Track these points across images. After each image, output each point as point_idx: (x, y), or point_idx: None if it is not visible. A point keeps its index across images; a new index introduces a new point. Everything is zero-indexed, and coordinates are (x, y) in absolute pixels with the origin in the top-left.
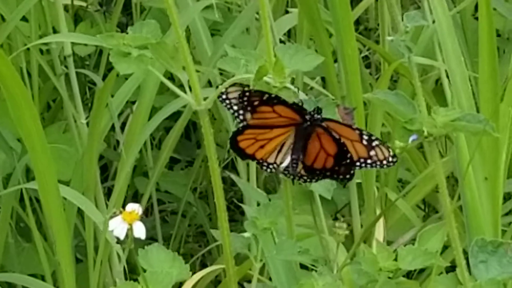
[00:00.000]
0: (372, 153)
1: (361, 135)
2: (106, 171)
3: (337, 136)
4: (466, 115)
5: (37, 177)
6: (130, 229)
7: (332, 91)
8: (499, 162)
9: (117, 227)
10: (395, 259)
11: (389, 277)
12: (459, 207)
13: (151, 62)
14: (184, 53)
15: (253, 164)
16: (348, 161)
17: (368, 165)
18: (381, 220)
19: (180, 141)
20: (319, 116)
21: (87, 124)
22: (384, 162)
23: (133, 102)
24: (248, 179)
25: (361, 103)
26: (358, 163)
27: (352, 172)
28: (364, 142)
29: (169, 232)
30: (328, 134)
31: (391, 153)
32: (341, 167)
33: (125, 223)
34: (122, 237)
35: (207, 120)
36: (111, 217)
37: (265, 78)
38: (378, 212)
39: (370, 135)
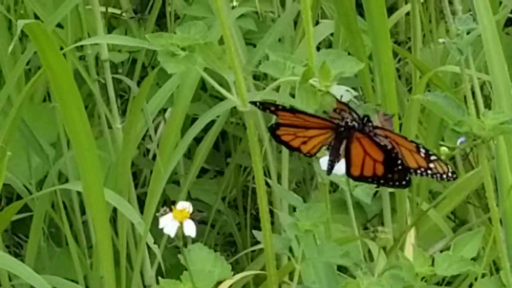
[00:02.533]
0: (432, 165)
1: (417, 147)
2: (136, 178)
3: (381, 142)
4: None
5: (82, 178)
6: (180, 227)
7: (367, 99)
8: None
9: (168, 224)
10: (431, 265)
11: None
12: (489, 219)
13: (199, 62)
14: (231, 54)
15: (284, 173)
16: (400, 167)
17: (429, 175)
18: (412, 230)
19: (209, 151)
20: (367, 123)
21: (122, 129)
22: (444, 176)
23: (165, 110)
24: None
25: (395, 111)
26: (418, 171)
27: (408, 178)
28: (422, 154)
29: (199, 241)
30: (370, 140)
31: (450, 169)
32: (394, 173)
33: (175, 220)
34: (172, 235)
35: (253, 122)
36: (161, 215)
37: (310, 81)
38: (409, 222)
39: (426, 149)
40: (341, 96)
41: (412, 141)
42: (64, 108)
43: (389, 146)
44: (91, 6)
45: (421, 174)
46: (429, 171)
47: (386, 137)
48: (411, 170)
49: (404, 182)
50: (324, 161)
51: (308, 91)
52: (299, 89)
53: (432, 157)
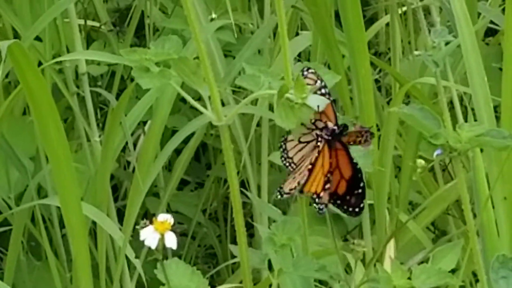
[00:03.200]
0: (348, 197)
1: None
2: (116, 191)
3: (353, 159)
4: (491, 131)
5: (60, 193)
6: (161, 239)
7: (345, 111)
8: None
9: (149, 236)
10: (409, 278)
11: None
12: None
13: (173, 77)
14: (205, 69)
15: (264, 185)
16: (360, 190)
17: (336, 204)
18: (392, 241)
19: (190, 162)
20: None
21: (101, 142)
22: (351, 208)
23: (144, 123)
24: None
25: (374, 123)
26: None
27: (362, 206)
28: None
29: (179, 253)
30: (346, 152)
31: (362, 205)
32: (353, 197)
33: (156, 232)
34: (153, 247)
35: (228, 135)
36: (142, 227)
37: (286, 95)
38: (389, 233)
39: (361, 180)
40: (318, 107)
41: (355, 165)
42: (41, 125)
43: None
44: (69, 19)
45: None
46: (338, 201)
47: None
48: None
49: (357, 209)
50: None
51: (286, 106)
52: (277, 105)
53: (358, 190)
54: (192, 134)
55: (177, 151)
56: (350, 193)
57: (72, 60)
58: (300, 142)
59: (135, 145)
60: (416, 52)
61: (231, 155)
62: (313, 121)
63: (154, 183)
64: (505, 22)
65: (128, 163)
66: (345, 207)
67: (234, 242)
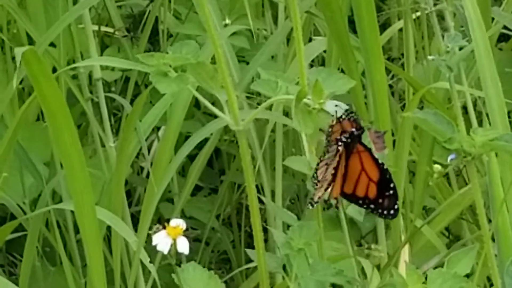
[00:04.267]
0: (380, 200)
1: (382, 176)
2: (130, 196)
3: (380, 150)
4: (505, 135)
5: (74, 198)
6: (174, 244)
7: (360, 116)
8: None
9: (161, 241)
10: (424, 282)
11: None
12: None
13: (190, 82)
14: (223, 74)
15: (278, 190)
16: (392, 191)
17: (370, 208)
18: (406, 246)
19: (203, 168)
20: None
21: (115, 148)
22: (385, 211)
23: (158, 128)
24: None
25: (389, 128)
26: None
27: (397, 207)
28: (380, 186)
29: (193, 258)
30: (369, 154)
31: (396, 206)
32: (385, 199)
33: (169, 237)
34: (166, 252)
35: (245, 140)
36: (155, 232)
37: (304, 100)
38: (403, 238)
39: (390, 181)
40: (336, 112)
41: (381, 166)
42: (55, 131)
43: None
44: (83, 25)
45: (364, 206)
46: (372, 205)
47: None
48: (359, 199)
49: (392, 212)
50: None
51: (304, 111)
52: (295, 111)
53: (389, 192)
54: (206, 140)
55: (190, 157)
56: (382, 196)
57: (87, 66)
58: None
59: (148, 150)
60: (430, 57)
61: (249, 160)
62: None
63: (167, 189)
64: None
65: (142, 168)
66: (380, 210)
67: (248, 247)
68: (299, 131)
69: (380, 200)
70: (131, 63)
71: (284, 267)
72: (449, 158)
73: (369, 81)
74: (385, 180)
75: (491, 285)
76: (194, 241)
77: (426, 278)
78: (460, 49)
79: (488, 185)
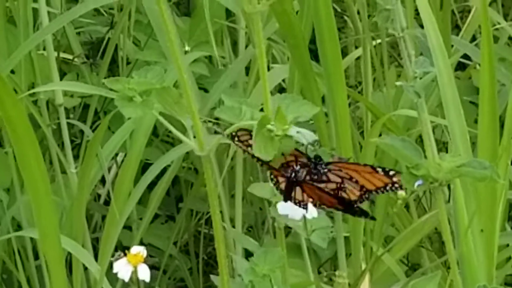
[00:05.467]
0: (395, 179)
1: (374, 168)
2: (87, 223)
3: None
4: (472, 162)
5: (38, 225)
6: (134, 271)
7: (322, 143)
8: (495, 214)
9: (122, 269)
10: None
11: None
12: (443, 263)
13: (156, 107)
14: (188, 98)
15: (238, 217)
16: (357, 208)
17: (398, 187)
18: (367, 275)
19: None
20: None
21: (77, 174)
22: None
23: (116, 155)
24: None
25: (350, 155)
26: (387, 188)
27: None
28: (382, 173)
29: (151, 286)
30: (320, 190)
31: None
32: (354, 212)
33: (129, 265)
34: (127, 279)
35: (210, 165)
36: (116, 260)
37: (267, 126)
38: (363, 266)
39: (383, 168)
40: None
41: (366, 165)
42: (20, 156)
43: (343, 194)
44: (44, 52)
45: (391, 190)
46: (395, 185)
47: (341, 170)
48: (381, 190)
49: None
50: (282, 206)
51: (266, 137)
52: (256, 136)
53: (391, 172)
54: (164, 169)
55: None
56: (349, 207)
57: (47, 92)
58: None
59: None
60: (397, 83)
61: (214, 185)
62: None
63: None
64: (481, 54)
65: (99, 195)
66: (352, 212)
67: (205, 274)
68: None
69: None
70: (94, 87)
71: None
72: (416, 184)
73: (331, 107)
74: (345, 204)
75: None
76: (152, 268)
77: None
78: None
79: (452, 213)
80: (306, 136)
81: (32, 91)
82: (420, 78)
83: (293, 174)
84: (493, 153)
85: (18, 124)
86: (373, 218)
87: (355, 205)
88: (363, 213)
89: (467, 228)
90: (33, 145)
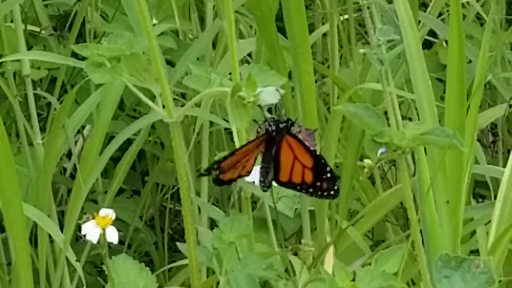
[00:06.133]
0: (318, 184)
1: (316, 162)
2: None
3: (311, 147)
4: (435, 130)
5: (1, 194)
6: (103, 234)
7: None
8: (461, 185)
9: (90, 231)
10: (353, 280)
11: None
12: (407, 237)
13: (125, 72)
14: (157, 66)
15: (204, 191)
16: (329, 174)
17: (309, 192)
18: (331, 248)
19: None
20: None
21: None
22: (325, 193)
23: (83, 127)
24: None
25: (317, 127)
26: (300, 187)
27: (337, 188)
28: (316, 171)
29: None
30: (300, 143)
31: (336, 187)
32: (323, 182)
33: (98, 227)
34: (95, 241)
35: (179, 133)
36: (84, 222)
37: (239, 93)
38: (328, 239)
39: (325, 164)
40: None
41: (313, 152)
42: None
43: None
44: (12, 24)
45: (303, 191)
46: (310, 189)
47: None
48: (297, 186)
49: (332, 192)
50: (256, 171)
51: (238, 104)
52: (231, 105)
53: (326, 175)
54: (129, 142)
55: (112, 159)
56: (319, 179)
57: (14, 63)
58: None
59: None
60: (361, 50)
61: (182, 152)
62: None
63: (92, 189)
64: (450, 27)
65: (65, 169)
66: (319, 193)
67: (170, 249)
68: (232, 125)
69: (318, 184)
70: (61, 57)
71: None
72: (379, 152)
73: (298, 81)
74: (320, 165)
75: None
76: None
77: (354, 276)
78: (390, 48)
79: (416, 183)
80: (272, 94)
81: (2, 59)
82: (388, 47)
83: (274, 129)
84: (460, 126)
85: None
86: (336, 194)
87: (328, 168)
88: (333, 181)
89: (429, 186)
90: None
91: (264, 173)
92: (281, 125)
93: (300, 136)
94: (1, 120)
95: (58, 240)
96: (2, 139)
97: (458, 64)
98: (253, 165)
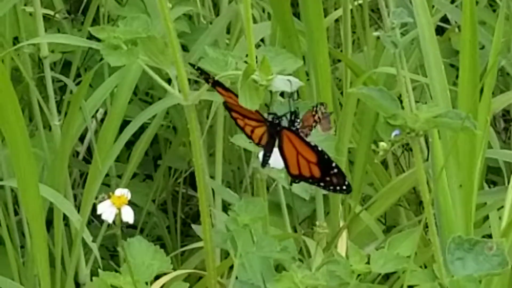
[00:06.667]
0: (328, 178)
1: (319, 157)
2: None
3: (311, 143)
4: (449, 112)
5: (18, 175)
6: (118, 214)
7: (303, 99)
8: (474, 170)
9: (106, 211)
10: (367, 263)
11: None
12: (420, 222)
13: (141, 55)
14: (173, 48)
15: (218, 174)
16: (336, 170)
17: (321, 186)
18: (344, 232)
19: None
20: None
21: (61, 127)
22: (338, 187)
23: (96, 112)
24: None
25: (332, 110)
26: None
27: (347, 182)
28: (322, 166)
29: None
30: (299, 138)
31: (346, 182)
32: (332, 177)
33: (113, 207)
34: (110, 220)
35: (194, 115)
36: (100, 202)
37: (252, 76)
38: (341, 224)
39: (330, 161)
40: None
41: (315, 148)
42: None
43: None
44: (28, 6)
45: (315, 184)
46: (321, 184)
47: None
48: (308, 179)
49: (344, 187)
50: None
51: (251, 87)
52: (241, 86)
53: (333, 171)
54: (143, 127)
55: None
56: (327, 174)
57: (29, 46)
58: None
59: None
60: (375, 33)
61: (198, 135)
62: None
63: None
64: (463, 13)
65: (77, 153)
66: (331, 187)
67: (182, 234)
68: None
69: (328, 178)
70: (82, 39)
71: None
72: (393, 134)
73: (312, 65)
74: (324, 160)
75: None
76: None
77: (368, 259)
78: (403, 34)
79: (430, 166)
80: (292, 83)
81: (19, 45)
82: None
83: (275, 120)
84: (473, 110)
85: None
86: (348, 189)
87: (333, 164)
88: (342, 177)
89: (443, 180)
90: (11, 97)
91: (264, 160)
92: (278, 120)
93: (315, 118)
94: (17, 102)
95: (75, 220)
96: (19, 120)
97: (471, 49)
98: (259, 139)
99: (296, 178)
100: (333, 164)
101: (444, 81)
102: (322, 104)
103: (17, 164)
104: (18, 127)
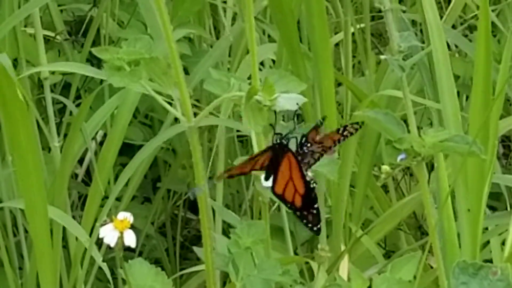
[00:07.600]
0: (305, 213)
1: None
2: None
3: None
4: (455, 136)
5: (25, 197)
6: (120, 237)
7: (307, 122)
8: (482, 194)
9: (108, 234)
10: (369, 287)
11: None
12: (420, 247)
13: (144, 76)
14: (176, 69)
15: (219, 197)
16: (315, 211)
17: (296, 215)
18: (346, 256)
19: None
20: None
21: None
22: (309, 225)
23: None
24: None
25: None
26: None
27: (319, 226)
28: (305, 201)
29: None
30: (298, 167)
31: (319, 226)
32: (309, 214)
33: (116, 230)
34: (112, 244)
35: (197, 137)
36: (102, 225)
37: (255, 97)
38: (342, 247)
39: (314, 201)
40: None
41: (307, 183)
42: (8, 122)
43: (312, 184)
44: (27, 28)
45: (292, 210)
46: (298, 213)
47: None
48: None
49: (315, 228)
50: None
51: (254, 108)
52: (245, 108)
53: (313, 210)
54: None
55: (122, 164)
56: (306, 209)
57: (29, 67)
58: None
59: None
60: (382, 57)
61: (200, 156)
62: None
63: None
64: (477, 44)
65: (76, 175)
66: (304, 221)
67: (181, 257)
68: (248, 130)
69: (305, 213)
70: (84, 66)
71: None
72: (398, 158)
73: (318, 86)
74: (309, 198)
75: None
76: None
77: (370, 283)
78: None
79: (435, 191)
80: (291, 101)
81: (30, 71)
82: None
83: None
84: (485, 135)
85: (9, 96)
86: (317, 232)
87: (316, 205)
88: (317, 219)
89: (448, 193)
90: (23, 117)
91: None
92: (286, 141)
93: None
94: (30, 123)
95: (83, 240)
96: (30, 141)
97: (484, 76)
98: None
99: (277, 197)
100: (316, 205)
101: (457, 105)
102: (352, 123)
103: (25, 186)
104: (30, 149)
